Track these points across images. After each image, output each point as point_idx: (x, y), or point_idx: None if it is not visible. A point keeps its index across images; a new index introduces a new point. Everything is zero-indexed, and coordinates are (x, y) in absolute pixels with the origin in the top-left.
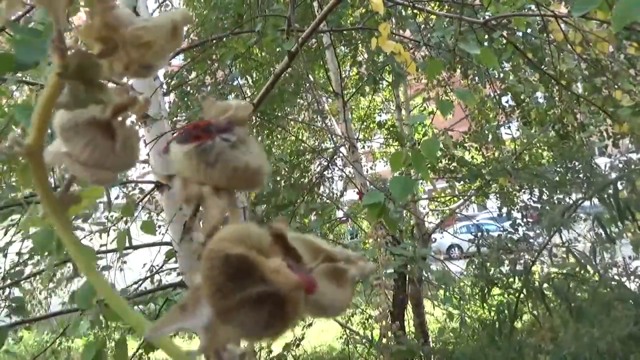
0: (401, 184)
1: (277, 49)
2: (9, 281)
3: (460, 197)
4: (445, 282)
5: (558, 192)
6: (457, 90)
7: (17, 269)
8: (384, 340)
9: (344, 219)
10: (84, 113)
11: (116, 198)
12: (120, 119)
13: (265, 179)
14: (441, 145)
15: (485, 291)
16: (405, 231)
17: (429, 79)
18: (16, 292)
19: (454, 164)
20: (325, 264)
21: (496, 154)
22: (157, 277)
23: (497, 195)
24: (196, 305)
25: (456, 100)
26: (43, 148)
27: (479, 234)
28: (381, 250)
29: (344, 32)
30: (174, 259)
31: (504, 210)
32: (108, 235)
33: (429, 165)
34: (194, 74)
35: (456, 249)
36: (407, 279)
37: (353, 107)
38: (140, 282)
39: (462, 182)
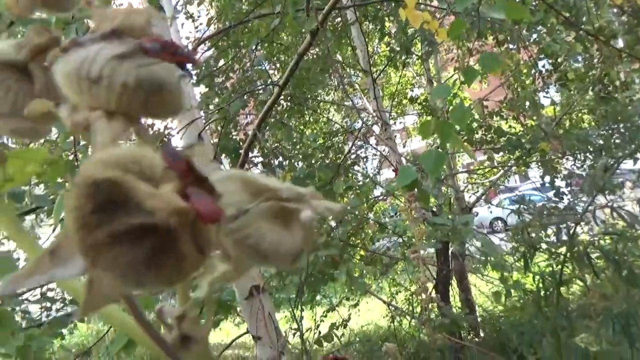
0: (433, 158)
1: (302, 30)
2: None
3: (500, 169)
4: (487, 253)
5: (604, 155)
6: (482, 55)
7: None
8: (426, 314)
9: (382, 197)
10: None
11: None
12: (45, 63)
13: (176, 101)
14: (476, 116)
15: (528, 257)
16: (446, 205)
17: (451, 38)
18: None
19: (491, 134)
20: (267, 203)
21: (534, 122)
22: None
23: (539, 164)
24: (69, 249)
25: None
26: None
27: (522, 201)
28: (416, 222)
29: (369, 6)
30: None
31: (547, 179)
32: None
33: (464, 138)
34: (222, 62)
35: (499, 222)
36: (450, 253)
37: (384, 83)
38: None
39: (501, 153)
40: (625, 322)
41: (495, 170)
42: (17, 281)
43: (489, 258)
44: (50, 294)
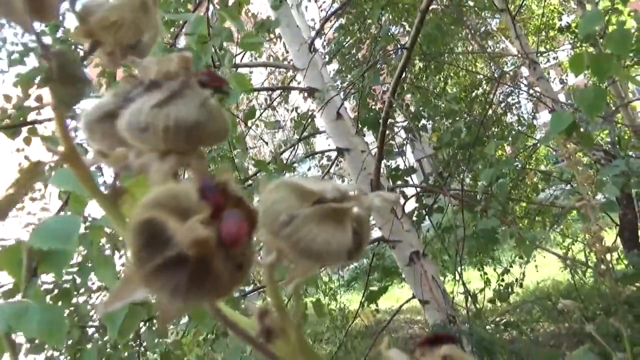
0: (591, 96)
1: None
2: None
3: None
4: None
5: None
6: None
7: None
8: (603, 265)
9: (539, 145)
10: (98, 109)
11: (308, 169)
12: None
13: (217, 128)
14: None
15: None
16: (621, 141)
17: None
18: None
19: None
20: (314, 207)
21: None
22: None
23: None
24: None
25: None
26: (76, 152)
27: None
28: (578, 165)
29: None
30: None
31: None
32: None
33: (635, 60)
34: (350, 38)
35: None
36: (635, 193)
37: (525, 19)
38: None
39: None
40: None
41: None
42: (108, 304)
43: None
44: None
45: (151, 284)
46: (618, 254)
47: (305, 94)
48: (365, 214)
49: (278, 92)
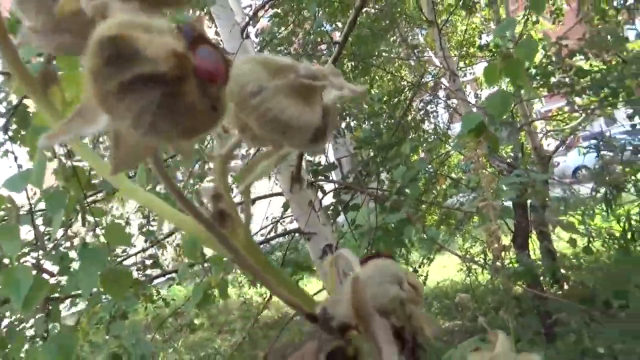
0: (498, 99)
1: None
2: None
3: (582, 113)
4: (567, 204)
5: None
6: None
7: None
8: (498, 263)
9: (452, 152)
10: None
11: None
12: None
13: None
14: (553, 58)
15: (609, 195)
16: (523, 156)
17: None
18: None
19: (571, 75)
20: (285, 80)
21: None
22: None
23: (626, 105)
24: (93, 109)
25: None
26: (3, 27)
27: (602, 139)
28: (483, 168)
29: None
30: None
31: (637, 119)
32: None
33: (540, 83)
34: (283, 28)
35: (583, 170)
36: (529, 205)
37: (450, 33)
38: (268, 231)
39: (584, 96)
40: None
41: (577, 115)
42: (52, 137)
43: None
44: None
45: (114, 105)
46: (510, 257)
47: None
48: (333, 103)
49: None
